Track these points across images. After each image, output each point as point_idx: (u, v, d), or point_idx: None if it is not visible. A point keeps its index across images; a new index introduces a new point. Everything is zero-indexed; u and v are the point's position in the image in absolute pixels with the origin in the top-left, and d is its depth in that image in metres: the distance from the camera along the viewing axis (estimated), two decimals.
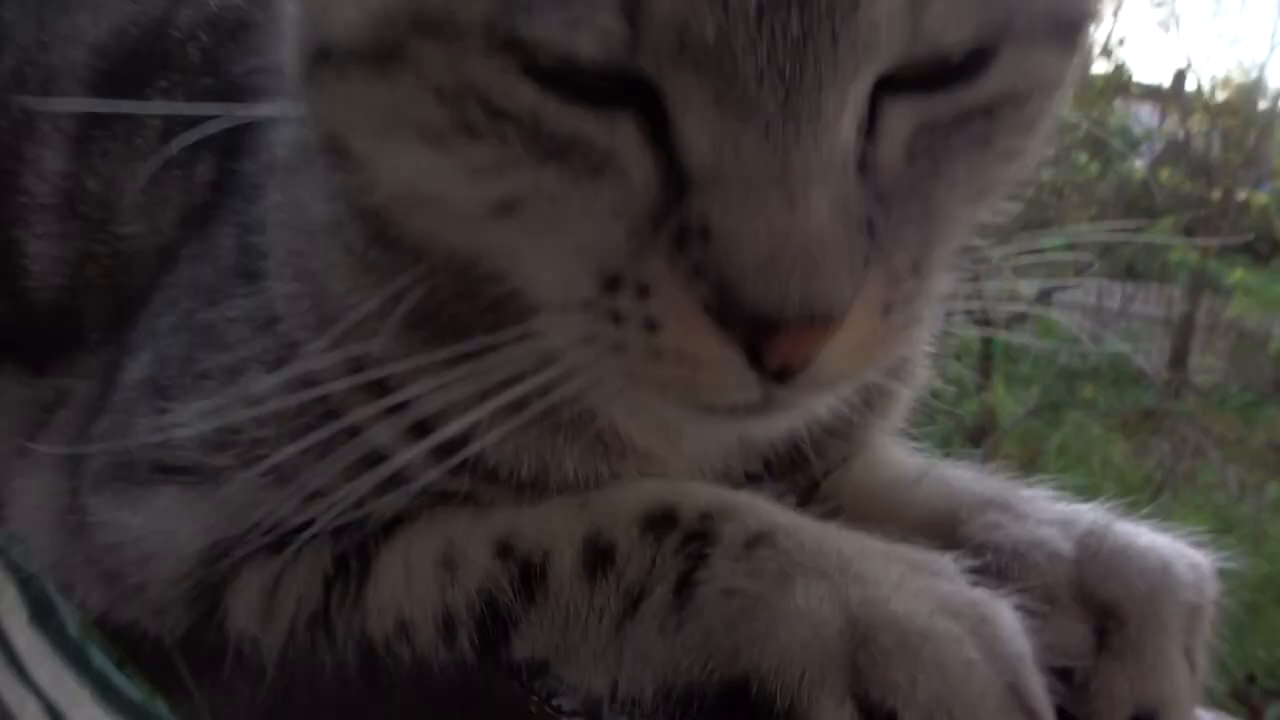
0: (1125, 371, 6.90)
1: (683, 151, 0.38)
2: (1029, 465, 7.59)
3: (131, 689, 1.39)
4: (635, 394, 0.43)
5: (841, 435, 0.55)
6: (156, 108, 0.70)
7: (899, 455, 0.58)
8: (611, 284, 0.39)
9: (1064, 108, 0.48)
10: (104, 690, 1.51)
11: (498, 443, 0.47)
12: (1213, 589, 0.48)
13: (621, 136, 0.38)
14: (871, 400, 0.57)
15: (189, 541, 0.52)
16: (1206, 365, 6.69)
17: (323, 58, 0.41)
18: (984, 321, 6.92)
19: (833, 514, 0.52)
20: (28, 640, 1.74)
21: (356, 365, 0.47)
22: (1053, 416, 6.84)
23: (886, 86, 0.39)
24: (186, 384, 0.55)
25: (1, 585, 1.75)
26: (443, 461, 0.47)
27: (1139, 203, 6.34)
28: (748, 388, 0.39)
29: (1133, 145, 6.54)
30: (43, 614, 1.65)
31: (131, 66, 0.73)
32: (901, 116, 0.40)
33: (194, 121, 0.61)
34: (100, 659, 1.48)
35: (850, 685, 0.38)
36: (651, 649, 0.42)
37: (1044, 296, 7.06)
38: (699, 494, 0.48)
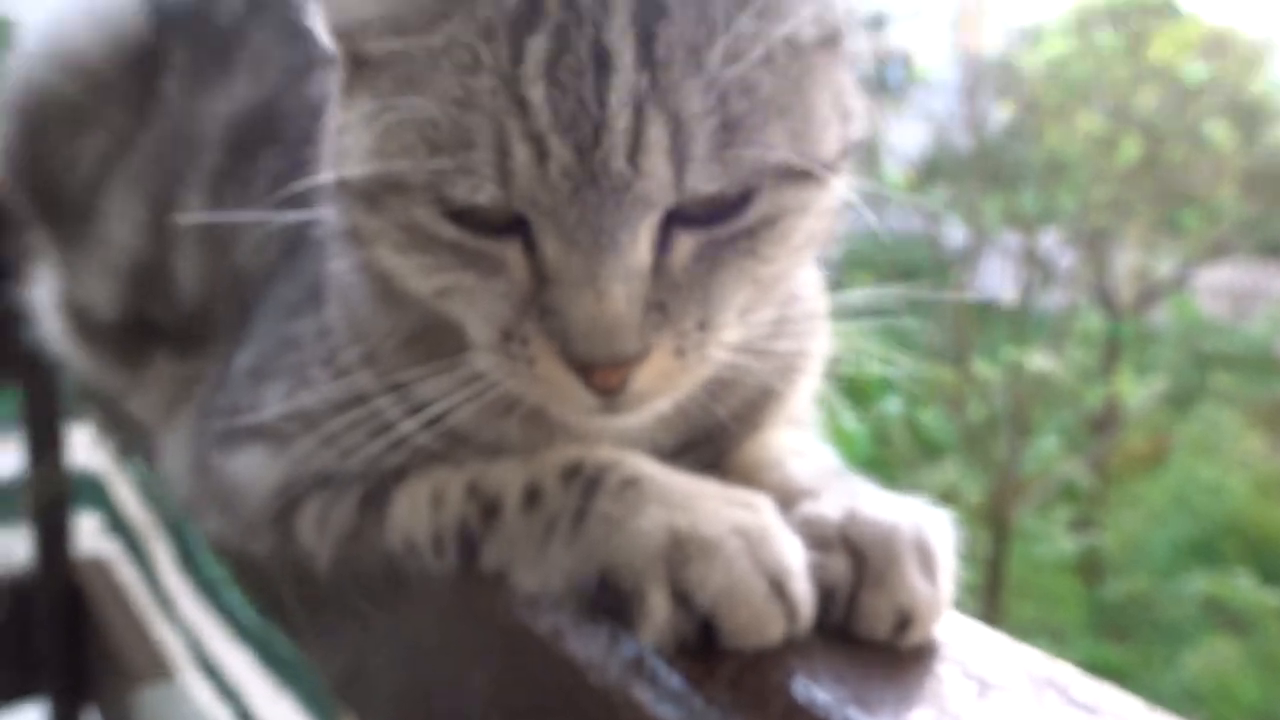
0: (1266, 359, 6.52)
1: (542, 261, 0.60)
2: (1156, 459, 7.24)
3: (252, 620, 1.58)
4: (529, 399, 0.64)
5: (730, 427, 0.73)
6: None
7: (778, 442, 0.75)
8: (507, 336, 0.61)
9: (825, 221, 0.66)
10: (233, 623, 1.72)
11: (468, 420, 0.68)
12: (938, 532, 0.62)
13: (510, 252, 0.61)
14: (756, 401, 0.74)
15: (271, 484, 0.76)
16: None
17: (342, 184, 0.65)
18: (1108, 304, 6.56)
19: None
20: (176, 581, 1.98)
21: (375, 366, 0.70)
22: (1184, 407, 6.53)
23: (678, 220, 0.59)
24: (270, 372, 0.80)
25: (156, 532, 1.99)
26: (432, 432, 0.68)
27: None
28: (590, 400, 0.61)
29: None
30: (187, 558, 1.87)
31: (251, 135, 0.98)
32: (687, 239, 0.60)
33: (294, 176, 0.84)
34: (227, 595, 1.68)
35: (668, 577, 0.57)
36: (559, 560, 0.62)
37: (1180, 276, 6.71)
38: (599, 454, 0.67)
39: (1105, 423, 6.08)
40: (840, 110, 0.64)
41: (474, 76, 0.57)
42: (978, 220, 5.95)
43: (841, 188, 0.64)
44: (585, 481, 0.64)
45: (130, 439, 1.25)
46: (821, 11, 0.62)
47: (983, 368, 6.04)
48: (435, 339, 0.66)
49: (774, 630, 0.55)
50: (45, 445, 1.89)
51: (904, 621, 0.57)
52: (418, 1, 0.59)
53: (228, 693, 1.60)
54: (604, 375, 0.59)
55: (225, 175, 0.98)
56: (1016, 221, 5.89)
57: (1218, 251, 5.82)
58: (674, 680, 0.51)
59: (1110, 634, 5.84)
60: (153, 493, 1.75)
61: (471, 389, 0.63)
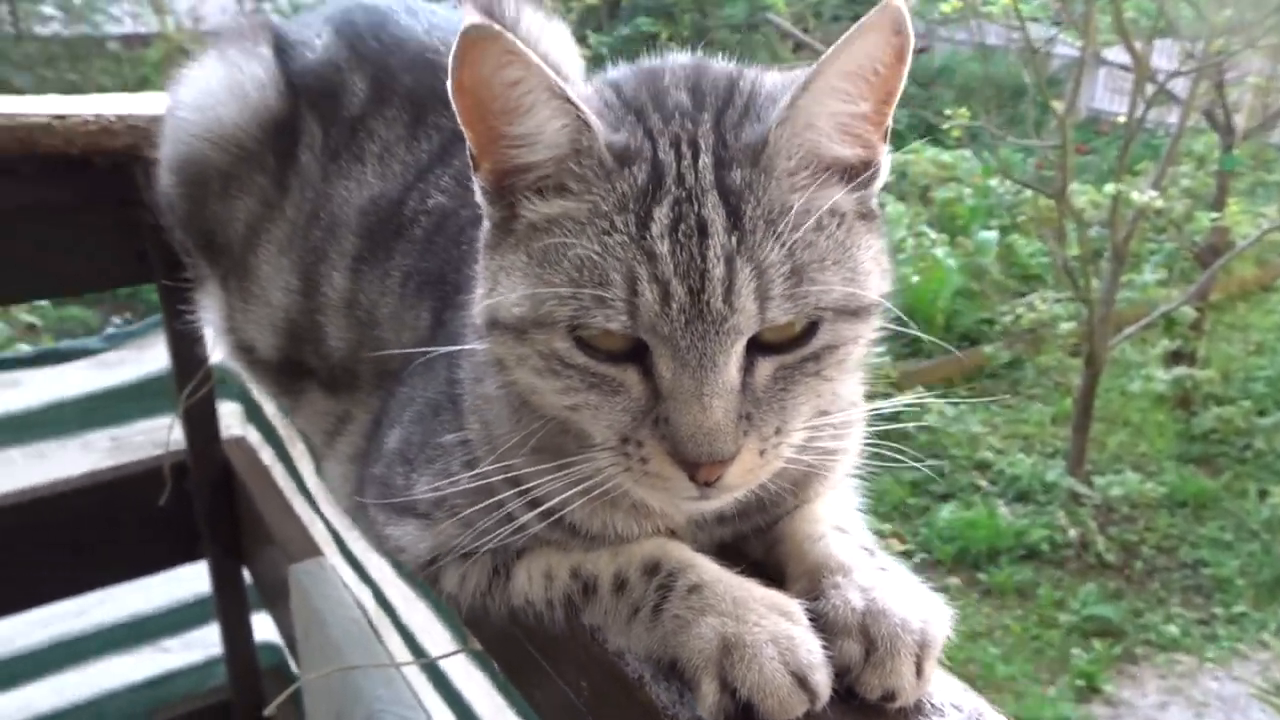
0: None
1: (657, 381, 0.76)
2: (1264, 289, 6.91)
3: None
4: (639, 490, 0.80)
5: (783, 497, 0.89)
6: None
7: (822, 514, 0.90)
8: (625, 440, 0.77)
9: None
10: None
11: (580, 513, 0.86)
12: (941, 629, 0.77)
13: (629, 374, 0.77)
14: (800, 482, 0.89)
15: (422, 552, 0.97)
16: None
17: (493, 324, 0.81)
18: (1223, 126, 6.07)
19: (770, 548, 0.90)
20: (315, 482, 2.20)
21: (508, 471, 0.86)
22: None
23: (759, 349, 0.76)
24: (419, 464, 0.99)
25: (294, 435, 2.19)
26: (548, 521, 0.85)
27: None
28: (691, 490, 0.76)
29: None
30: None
31: (382, 229, 1.15)
32: (766, 364, 0.77)
33: (421, 278, 1.05)
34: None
35: (718, 673, 0.74)
36: (641, 638, 0.80)
37: None
38: (674, 554, 0.85)
39: (1212, 253, 5.86)
40: (880, 266, 0.81)
41: (610, 236, 0.75)
42: (1087, 34, 5.55)
43: (877, 324, 0.81)
44: (661, 581, 0.82)
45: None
46: (859, 196, 0.80)
47: (1084, 196, 5.82)
48: (557, 447, 0.82)
49: (797, 711, 0.72)
50: (187, 341, 2.08)
51: (889, 698, 0.74)
52: (578, 174, 0.77)
53: (367, 579, 1.83)
54: (706, 471, 0.75)
55: (364, 260, 1.13)
56: (1129, 36, 5.46)
57: None
58: None
59: (1201, 464, 5.86)
60: None
61: (585, 485, 0.79)
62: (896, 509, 5.46)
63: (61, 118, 1.75)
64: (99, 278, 2.43)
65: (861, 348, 0.80)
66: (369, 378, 1.14)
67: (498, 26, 0.71)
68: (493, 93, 0.74)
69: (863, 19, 0.73)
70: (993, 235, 7.05)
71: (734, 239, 0.74)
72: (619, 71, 0.87)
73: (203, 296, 1.34)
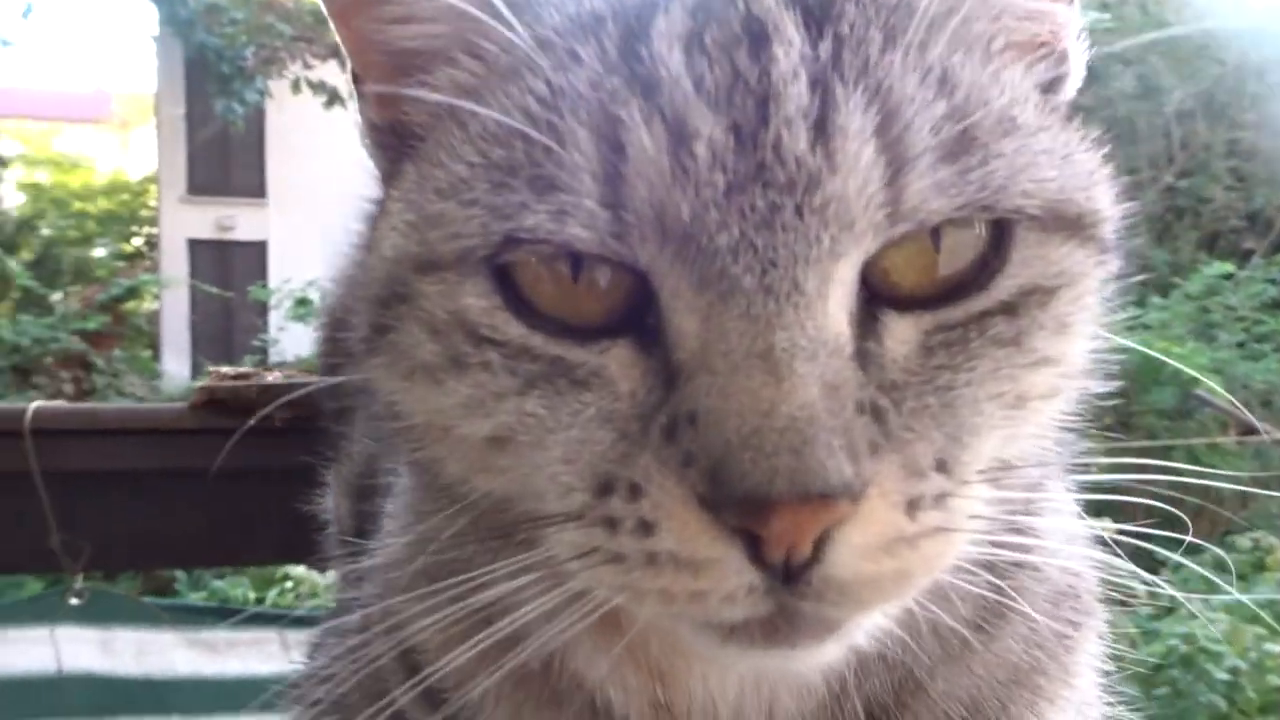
0: None
1: (673, 345, 0.41)
2: None
3: None
4: (639, 607, 0.43)
5: None
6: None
7: None
8: (603, 489, 0.42)
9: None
10: None
11: (488, 704, 0.50)
12: None
13: (612, 358, 0.42)
14: (991, 701, 0.48)
15: None
16: None
17: (369, 326, 0.50)
18: None
19: None
20: None
21: (387, 617, 0.54)
22: None
23: (887, 300, 0.43)
24: (326, 638, 0.74)
25: None
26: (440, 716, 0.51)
27: None
28: (755, 593, 0.38)
29: None
30: None
31: None
32: (904, 326, 0.42)
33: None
34: None
35: None
36: None
37: None
38: None
39: None
40: (1104, 179, 0.49)
41: (566, 73, 0.44)
42: None
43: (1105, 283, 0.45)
44: None
45: None
46: (1053, 95, 0.50)
47: None
48: (461, 564, 0.48)
49: None
50: None
51: None
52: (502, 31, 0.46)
53: None
54: (786, 522, 0.37)
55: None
56: None
57: None
58: None
59: None
60: None
61: (500, 622, 0.45)
62: None
63: None
64: None
65: (1090, 307, 0.46)
66: None
67: None
68: None
69: None
70: None
71: (821, 48, 0.42)
72: None
73: (330, 476, 1.26)
